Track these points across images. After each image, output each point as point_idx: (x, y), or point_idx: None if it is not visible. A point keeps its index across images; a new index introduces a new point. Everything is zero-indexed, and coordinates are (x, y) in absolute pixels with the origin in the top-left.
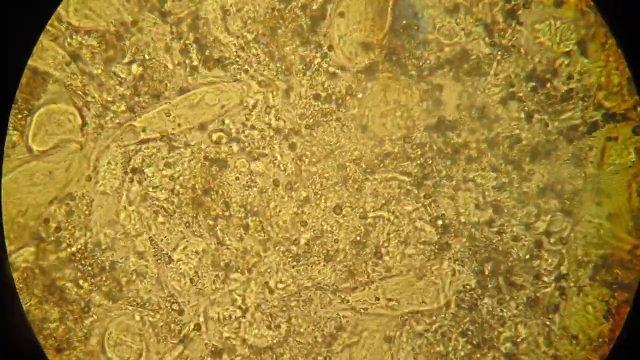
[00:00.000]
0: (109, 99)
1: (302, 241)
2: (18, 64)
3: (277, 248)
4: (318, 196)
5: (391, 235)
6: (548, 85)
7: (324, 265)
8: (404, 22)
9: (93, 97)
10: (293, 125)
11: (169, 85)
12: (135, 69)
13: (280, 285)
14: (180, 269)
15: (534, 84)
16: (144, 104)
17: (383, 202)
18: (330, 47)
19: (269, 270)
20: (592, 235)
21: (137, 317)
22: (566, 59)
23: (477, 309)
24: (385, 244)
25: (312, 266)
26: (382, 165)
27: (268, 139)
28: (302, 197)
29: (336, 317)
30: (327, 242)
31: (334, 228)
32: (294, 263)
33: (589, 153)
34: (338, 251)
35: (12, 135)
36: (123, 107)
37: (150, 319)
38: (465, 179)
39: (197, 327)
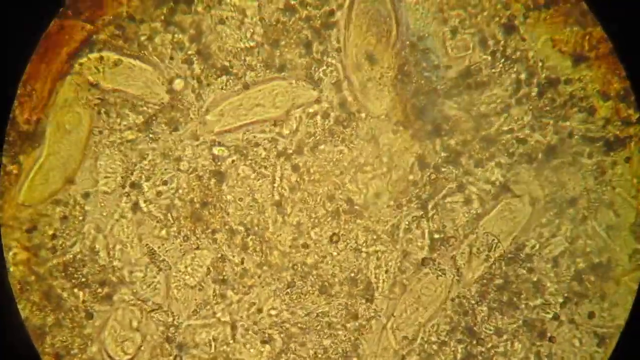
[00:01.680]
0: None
1: (299, 268)
2: (18, 65)
3: (273, 273)
4: (314, 220)
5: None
6: (551, 92)
7: (318, 295)
8: (410, 42)
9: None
10: (298, 144)
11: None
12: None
13: (273, 312)
14: (183, 280)
15: (537, 89)
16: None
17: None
18: (339, 49)
19: (263, 293)
20: (595, 245)
21: (135, 323)
22: (569, 66)
23: (473, 315)
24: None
25: (306, 295)
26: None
27: (272, 158)
28: (297, 221)
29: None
30: (322, 274)
31: (329, 260)
32: (288, 290)
33: (612, 169)
34: (333, 284)
35: (13, 169)
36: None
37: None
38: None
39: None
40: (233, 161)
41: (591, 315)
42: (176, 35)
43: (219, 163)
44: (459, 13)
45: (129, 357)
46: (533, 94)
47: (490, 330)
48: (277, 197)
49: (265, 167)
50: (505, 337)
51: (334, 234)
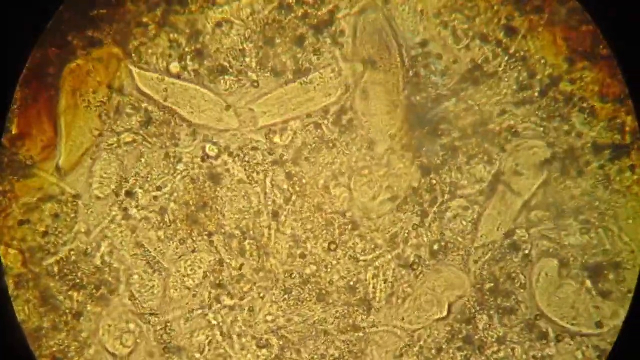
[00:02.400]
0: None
1: (296, 276)
2: (18, 64)
3: (270, 280)
4: (310, 230)
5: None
6: (552, 90)
7: (314, 303)
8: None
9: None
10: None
11: None
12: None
13: (269, 317)
14: (179, 282)
15: (539, 89)
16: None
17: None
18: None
19: (259, 299)
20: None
21: (131, 325)
22: (569, 67)
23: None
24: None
25: (302, 302)
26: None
27: (267, 164)
28: (292, 228)
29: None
30: (320, 281)
31: (329, 267)
32: (285, 296)
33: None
34: (330, 292)
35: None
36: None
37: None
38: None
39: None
40: (225, 162)
41: (598, 324)
42: (172, 35)
43: (210, 162)
44: (457, 16)
45: (129, 349)
46: (535, 93)
47: (493, 338)
48: (271, 206)
49: (258, 173)
50: (506, 344)
51: (331, 241)
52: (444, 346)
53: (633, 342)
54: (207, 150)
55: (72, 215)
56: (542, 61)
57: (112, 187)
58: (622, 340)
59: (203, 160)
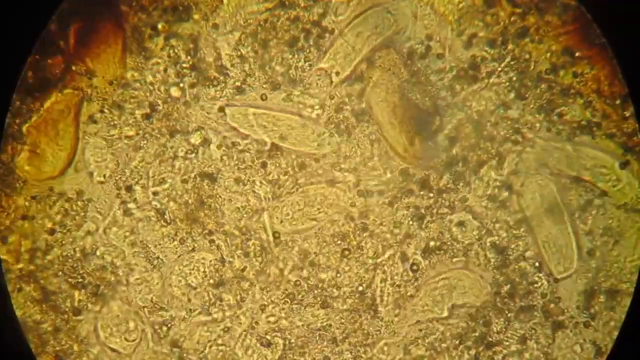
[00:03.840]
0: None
1: (301, 280)
2: (18, 64)
3: (272, 281)
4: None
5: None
6: (551, 84)
7: (318, 308)
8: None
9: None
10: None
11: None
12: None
13: (272, 319)
14: (179, 281)
15: (538, 83)
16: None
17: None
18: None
19: (261, 300)
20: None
21: (132, 324)
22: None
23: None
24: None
25: (306, 307)
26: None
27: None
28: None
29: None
30: (327, 287)
31: (339, 275)
32: (288, 301)
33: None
34: (337, 298)
35: None
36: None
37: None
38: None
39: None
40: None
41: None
42: (173, 50)
43: (196, 153)
44: (477, 23)
45: (136, 340)
46: (535, 93)
47: (513, 339)
48: (265, 207)
49: (246, 173)
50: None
51: (344, 249)
52: (455, 342)
53: (633, 342)
54: (193, 140)
55: (82, 213)
56: (542, 61)
57: (110, 166)
58: (622, 340)
59: (190, 151)
